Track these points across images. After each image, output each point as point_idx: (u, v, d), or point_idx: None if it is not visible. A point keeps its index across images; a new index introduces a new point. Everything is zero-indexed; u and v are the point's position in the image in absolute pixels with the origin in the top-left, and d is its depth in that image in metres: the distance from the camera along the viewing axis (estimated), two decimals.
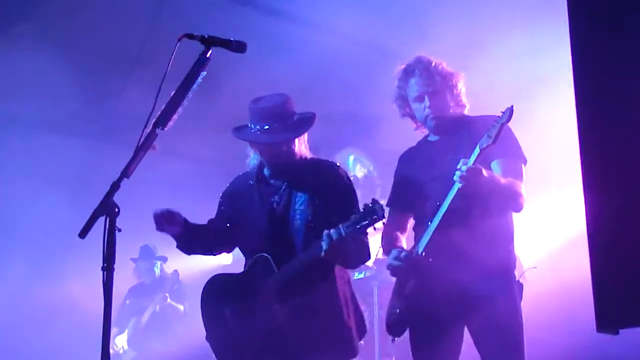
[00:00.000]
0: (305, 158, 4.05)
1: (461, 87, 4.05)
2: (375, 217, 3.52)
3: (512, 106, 3.54)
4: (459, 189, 3.59)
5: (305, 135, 4.05)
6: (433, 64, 4.01)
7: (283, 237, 3.94)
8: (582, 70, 1.81)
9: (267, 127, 3.88)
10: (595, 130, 1.75)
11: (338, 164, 4.18)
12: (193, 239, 4.17)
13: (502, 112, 3.56)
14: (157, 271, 8.30)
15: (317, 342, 3.88)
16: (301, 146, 4.03)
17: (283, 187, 4.04)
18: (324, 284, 3.90)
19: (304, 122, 3.98)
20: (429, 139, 4.17)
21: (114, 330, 8.01)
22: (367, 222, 3.54)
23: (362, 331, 4.04)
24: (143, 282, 8.31)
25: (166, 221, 3.99)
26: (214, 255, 4.45)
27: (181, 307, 8.05)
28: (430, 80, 3.96)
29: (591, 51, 1.81)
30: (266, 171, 4.12)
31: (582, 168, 1.76)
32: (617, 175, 1.70)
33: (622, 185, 1.69)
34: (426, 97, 3.97)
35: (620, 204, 1.68)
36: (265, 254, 3.95)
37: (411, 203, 4.07)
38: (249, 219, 4.12)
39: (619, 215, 1.68)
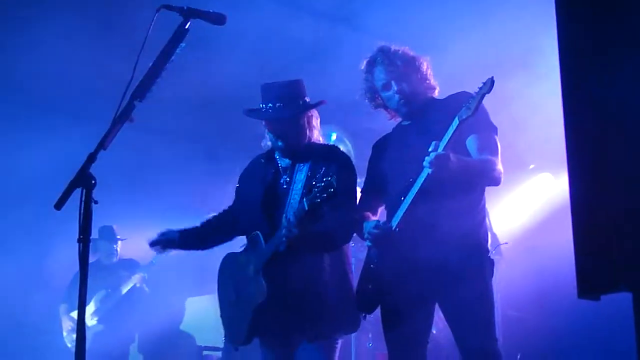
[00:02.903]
0: (315, 142, 4.18)
1: (426, 69, 4.05)
2: (332, 190, 3.55)
3: (492, 77, 3.52)
4: (428, 174, 3.60)
5: (317, 121, 4.21)
6: (393, 50, 4.03)
7: (278, 215, 3.97)
8: (568, 50, 1.81)
9: (278, 104, 4.03)
10: (580, 105, 1.76)
11: (341, 148, 4.26)
12: (197, 241, 4.50)
13: (482, 82, 3.55)
14: (118, 251, 8.31)
15: (296, 320, 3.93)
16: (313, 130, 4.17)
17: (289, 168, 4.14)
18: (303, 260, 3.94)
19: (314, 103, 4.12)
20: (402, 124, 4.18)
21: (63, 306, 7.97)
22: (325, 194, 3.56)
23: (349, 313, 4.04)
24: (99, 260, 8.24)
25: (162, 246, 4.42)
26: (232, 239, 4.58)
27: (147, 289, 8.09)
28: (392, 66, 3.98)
29: (578, 30, 1.81)
30: (277, 152, 4.24)
31: (566, 142, 1.77)
32: (600, 148, 1.71)
33: (604, 156, 1.70)
34: (392, 83, 3.98)
35: (602, 172, 1.69)
36: (257, 232, 4.03)
37: (384, 188, 4.08)
38: (249, 197, 4.24)
39: (601, 181, 1.69)
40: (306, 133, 4.13)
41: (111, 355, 7.62)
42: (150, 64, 2.81)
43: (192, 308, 9.06)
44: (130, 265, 8.19)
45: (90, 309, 7.80)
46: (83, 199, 2.65)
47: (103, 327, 7.77)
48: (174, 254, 4.60)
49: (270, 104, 4.05)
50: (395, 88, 3.98)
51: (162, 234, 4.40)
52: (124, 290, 7.90)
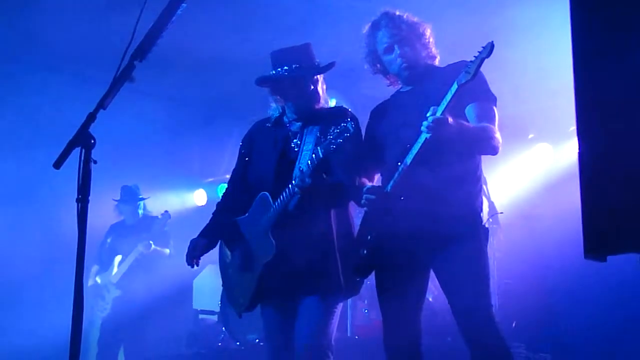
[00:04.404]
0: (324, 107, 4.21)
1: (429, 36, 4.05)
2: (347, 134, 3.61)
3: (492, 41, 3.48)
4: (426, 139, 3.59)
5: (324, 87, 4.23)
6: (397, 14, 4.03)
7: (288, 177, 3.96)
8: (581, 25, 1.79)
9: (295, 66, 4.04)
10: (592, 68, 1.74)
11: (349, 109, 4.25)
12: (225, 231, 4.34)
13: (482, 47, 3.51)
14: (141, 212, 8.21)
15: (303, 277, 3.96)
16: (324, 94, 4.21)
17: (299, 131, 4.15)
18: (313, 217, 3.97)
19: (327, 65, 4.13)
20: (401, 90, 4.17)
21: (95, 267, 7.95)
22: (341, 139, 3.62)
23: (349, 273, 4.03)
24: (124, 220, 8.18)
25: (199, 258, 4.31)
26: None
27: (167, 251, 7.96)
28: (397, 29, 3.97)
29: (592, 6, 1.79)
30: (287, 117, 4.24)
31: (576, 101, 1.75)
32: (611, 110, 1.70)
33: (615, 115, 1.70)
34: (395, 47, 3.97)
35: (612, 130, 1.69)
36: (265, 192, 4.06)
37: (381, 155, 4.07)
38: (261, 160, 4.26)
39: (611, 139, 1.68)
40: (319, 95, 4.16)
41: (130, 321, 7.61)
42: (151, 25, 2.78)
43: (189, 272, 9.07)
44: (150, 225, 8.03)
45: (110, 273, 7.82)
46: (82, 158, 2.63)
47: (121, 293, 7.77)
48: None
49: (285, 67, 4.05)
50: (398, 52, 3.96)
51: (193, 249, 4.28)
52: (133, 257, 7.84)
